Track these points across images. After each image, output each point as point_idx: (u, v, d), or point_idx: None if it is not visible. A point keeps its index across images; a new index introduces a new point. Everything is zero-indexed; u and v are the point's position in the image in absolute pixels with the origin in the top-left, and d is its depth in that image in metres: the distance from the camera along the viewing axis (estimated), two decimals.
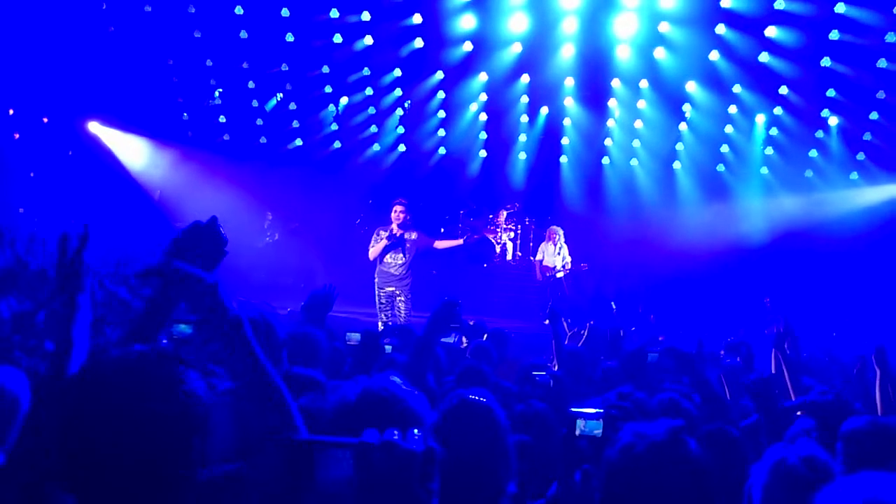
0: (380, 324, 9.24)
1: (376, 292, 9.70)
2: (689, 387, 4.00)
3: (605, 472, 1.93)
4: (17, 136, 13.05)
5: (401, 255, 9.78)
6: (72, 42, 12.10)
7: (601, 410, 2.90)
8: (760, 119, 13.53)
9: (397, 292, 9.68)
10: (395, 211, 9.87)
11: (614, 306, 8.30)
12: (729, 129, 13.83)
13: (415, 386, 3.13)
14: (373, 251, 9.82)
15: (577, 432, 2.69)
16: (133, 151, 14.36)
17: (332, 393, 2.05)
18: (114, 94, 13.24)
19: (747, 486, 2.15)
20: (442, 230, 15.04)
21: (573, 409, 2.85)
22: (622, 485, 1.87)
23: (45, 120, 13.49)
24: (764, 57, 12.34)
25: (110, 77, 12.89)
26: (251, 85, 13.82)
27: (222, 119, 14.44)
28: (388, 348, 4.82)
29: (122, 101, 13.45)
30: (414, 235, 9.84)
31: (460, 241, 10.29)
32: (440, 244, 10.17)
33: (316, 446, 1.23)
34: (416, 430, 1.24)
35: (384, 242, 9.69)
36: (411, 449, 1.19)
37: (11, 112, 13.11)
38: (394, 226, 9.67)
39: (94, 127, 13.97)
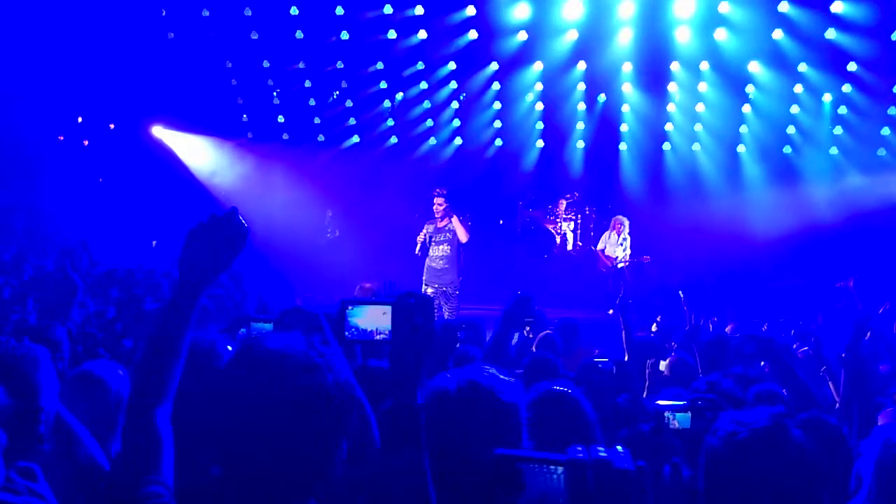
0: None
1: (422, 289, 9.60)
2: (771, 376, 3.88)
3: (707, 461, 1.90)
4: (86, 142, 13.44)
5: (444, 245, 9.72)
6: (134, 48, 12.39)
7: (686, 402, 2.83)
8: (828, 98, 13.11)
9: (443, 288, 9.58)
10: (435, 203, 9.87)
11: (682, 295, 8.11)
12: (795, 109, 13.43)
13: None
14: (418, 247, 9.81)
15: (667, 424, 2.62)
16: (197, 153, 14.66)
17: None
18: (176, 98, 13.53)
19: (856, 466, 2.09)
20: (501, 222, 14.98)
21: (659, 402, 2.78)
22: (726, 473, 1.85)
23: (112, 126, 13.86)
24: (831, 33, 11.93)
25: (171, 81, 13.18)
26: (308, 84, 13.95)
27: (281, 119, 14.63)
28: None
29: (184, 105, 13.73)
30: (455, 222, 9.74)
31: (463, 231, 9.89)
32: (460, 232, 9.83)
33: (524, 462, 1.23)
34: (619, 448, 1.22)
35: (422, 237, 9.66)
36: (627, 468, 1.17)
37: (80, 119, 13.51)
38: (434, 221, 9.63)
39: (158, 131, 14.29)
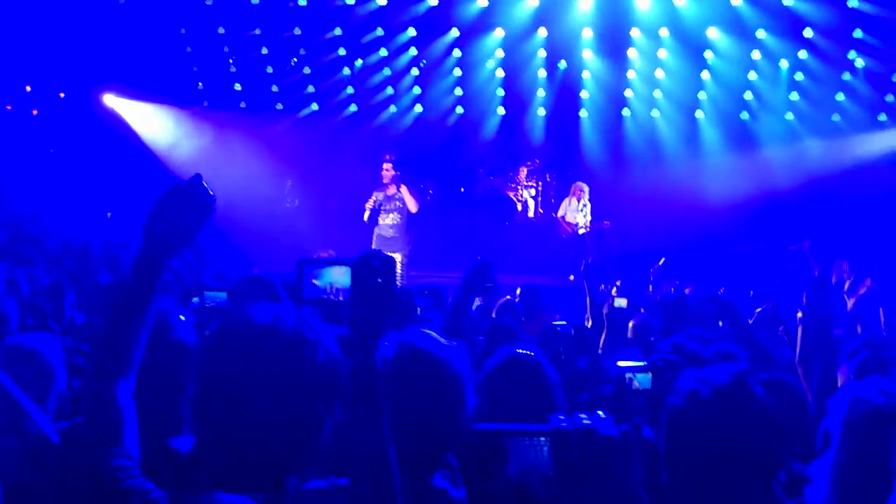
0: None
1: None
2: (729, 336, 3.93)
3: (668, 420, 1.89)
4: (35, 112, 13.05)
5: (393, 214, 9.61)
6: (84, 14, 12.01)
7: (647, 363, 2.85)
8: (784, 64, 13.23)
9: (392, 255, 9.53)
10: (384, 169, 9.73)
11: (661, 262, 8.14)
12: (753, 75, 13.54)
13: None
14: (366, 215, 9.70)
15: (629, 386, 2.64)
16: (150, 122, 14.33)
17: None
18: (128, 65, 13.17)
19: (823, 424, 2.11)
20: (462, 190, 14.95)
21: (619, 364, 2.80)
22: (688, 432, 1.83)
23: (62, 95, 13.47)
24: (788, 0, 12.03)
25: (124, 49, 12.81)
26: (264, 51, 13.68)
27: (238, 87, 14.34)
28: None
29: (137, 73, 13.38)
30: (403, 191, 9.62)
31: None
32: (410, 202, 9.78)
33: (506, 435, 1.21)
34: (601, 413, 1.19)
35: (371, 204, 9.57)
36: (610, 434, 1.15)
37: (28, 89, 13.10)
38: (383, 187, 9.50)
39: (110, 99, 13.93)
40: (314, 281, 1.91)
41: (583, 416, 1.15)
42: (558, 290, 10.28)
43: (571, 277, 11.36)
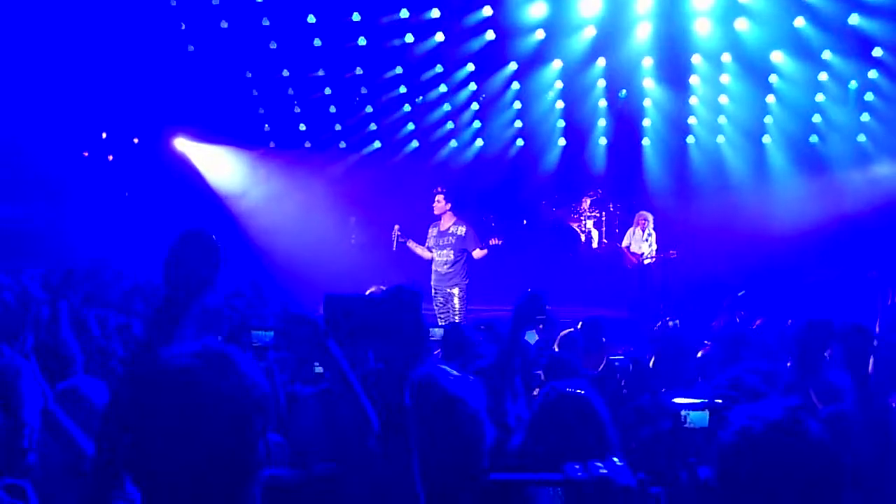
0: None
1: (432, 293, 9.37)
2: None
3: (721, 457, 1.81)
4: (111, 157, 13.61)
5: (447, 250, 9.41)
6: (154, 62, 12.52)
7: (706, 400, 2.76)
8: (853, 84, 12.86)
9: (449, 291, 9.26)
10: (436, 201, 9.57)
11: (742, 294, 7.87)
12: (820, 97, 13.19)
13: (503, 384, 3.07)
14: (420, 250, 9.52)
15: (683, 424, 2.56)
16: (219, 164, 14.77)
17: None
18: (197, 109, 13.65)
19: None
20: (525, 222, 14.91)
21: (676, 401, 2.72)
22: (741, 469, 1.76)
23: (136, 140, 14.02)
24: (854, 19, 11.71)
25: (193, 94, 13.30)
26: (328, 91, 13.99)
27: (302, 127, 14.69)
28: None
29: (206, 116, 13.85)
30: (462, 230, 9.41)
31: (485, 251, 9.56)
32: (477, 254, 9.51)
33: (520, 486, 1.19)
34: (616, 459, 1.18)
35: (428, 241, 9.41)
36: (627, 484, 1.14)
37: (105, 135, 13.69)
38: (437, 223, 9.34)
39: (181, 143, 14.43)
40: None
41: (599, 464, 1.12)
42: (623, 322, 10.09)
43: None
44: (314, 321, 2.56)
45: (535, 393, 4.14)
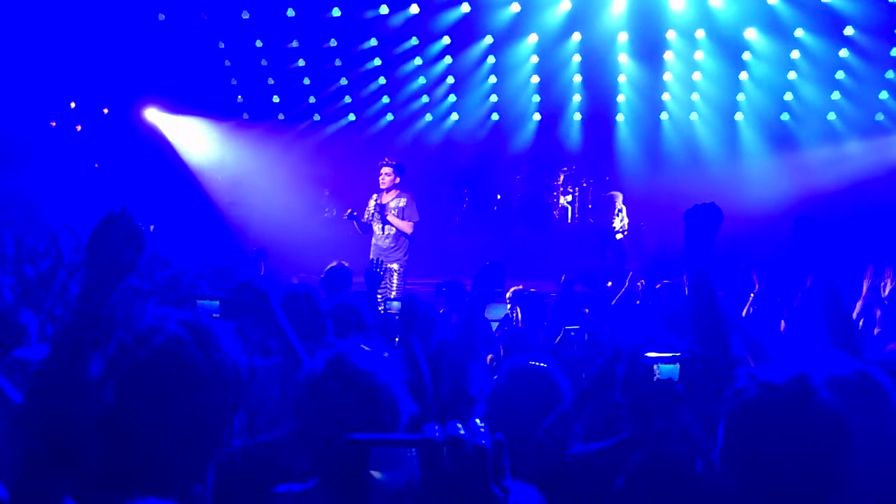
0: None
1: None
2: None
3: (726, 422, 1.80)
4: (79, 128, 13.39)
5: (389, 224, 9.11)
6: (125, 31, 12.30)
7: (677, 354, 2.78)
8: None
9: (389, 266, 8.81)
10: (382, 174, 9.22)
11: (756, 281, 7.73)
12: (792, 75, 13.29)
13: (466, 356, 3.10)
14: (358, 227, 9.17)
15: (654, 378, 2.58)
16: (191, 136, 14.61)
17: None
18: (168, 80, 13.45)
19: None
20: (498, 197, 14.94)
21: (648, 355, 2.74)
22: (746, 434, 1.75)
23: (106, 111, 13.80)
24: None
25: (164, 64, 13.09)
26: (301, 63, 13.85)
27: (276, 99, 14.55)
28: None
29: (177, 87, 13.66)
30: (403, 202, 9.12)
31: (410, 224, 9.27)
32: (401, 224, 9.20)
33: (373, 445, 1.16)
34: (478, 421, 1.16)
35: (367, 214, 9.10)
36: (481, 444, 1.11)
37: (73, 105, 13.45)
38: (377, 196, 9.07)
39: (152, 114, 14.24)
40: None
41: (459, 425, 1.12)
42: (594, 296, 10.17)
43: (609, 284, 11.23)
44: (261, 290, 2.56)
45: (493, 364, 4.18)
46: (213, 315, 2.72)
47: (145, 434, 1.43)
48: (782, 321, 6.17)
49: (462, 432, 1.11)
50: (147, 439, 1.43)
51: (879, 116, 13.32)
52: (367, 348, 1.95)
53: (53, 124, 13.08)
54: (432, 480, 1.09)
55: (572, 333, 4.21)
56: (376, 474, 1.13)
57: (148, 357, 1.46)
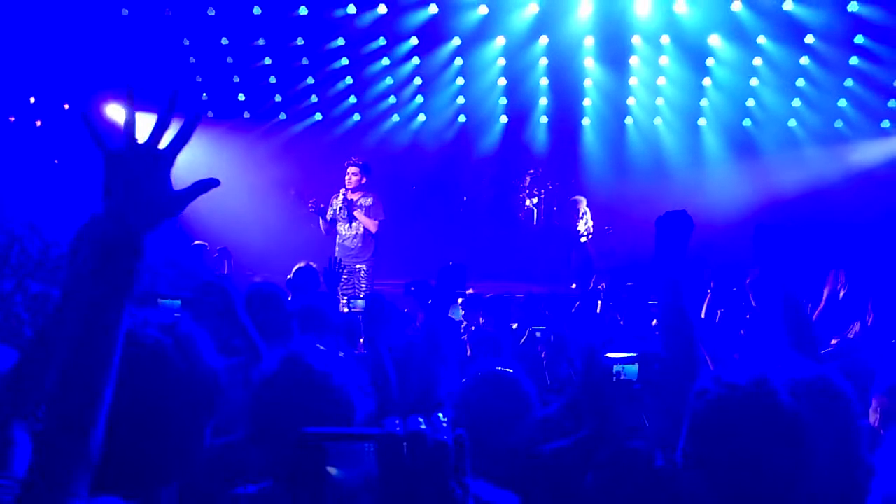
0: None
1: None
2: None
3: (691, 423, 1.84)
4: (39, 123, 13.13)
5: (356, 223, 9.04)
6: (87, 25, 12.09)
7: (635, 354, 2.83)
8: None
9: (358, 266, 8.92)
10: (348, 174, 9.16)
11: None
12: (754, 82, 13.51)
13: (431, 358, 3.10)
14: (323, 225, 9.08)
15: (613, 378, 2.62)
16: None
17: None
18: (131, 76, 13.23)
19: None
20: (465, 198, 14.97)
21: (607, 355, 2.79)
22: (710, 434, 1.79)
23: (67, 106, 13.54)
24: (788, 5, 12.00)
25: (127, 60, 12.89)
26: (268, 61, 13.74)
27: (241, 97, 14.41)
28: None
29: (140, 83, 13.45)
30: (369, 201, 9.10)
31: (375, 223, 9.31)
32: (367, 223, 9.23)
33: (330, 439, 1.13)
34: (441, 415, 1.14)
35: (331, 212, 9.01)
36: (442, 440, 1.09)
37: (33, 100, 13.18)
38: (345, 192, 8.98)
39: (114, 110, 14.00)
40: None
41: (420, 419, 1.11)
42: (561, 298, 10.25)
43: (573, 286, 11.33)
44: (224, 288, 2.54)
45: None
46: (175, 314, 2.69)
47: (120, 436, 1.40)
48: (741, 327, 6.27)
49: (423, 427, 1.09)
50: (122, 441, 1.40)
51: (838, 123, 13.58)
52: (322, 347, 1.94)
53: (12, 119, 12.81)
54: (390, 475, 1.07)
55: (538, 334, 4.24)
56: (333, 470, 1.11)
57: (129, 362, 1.37)
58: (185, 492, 1.61)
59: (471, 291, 6.93)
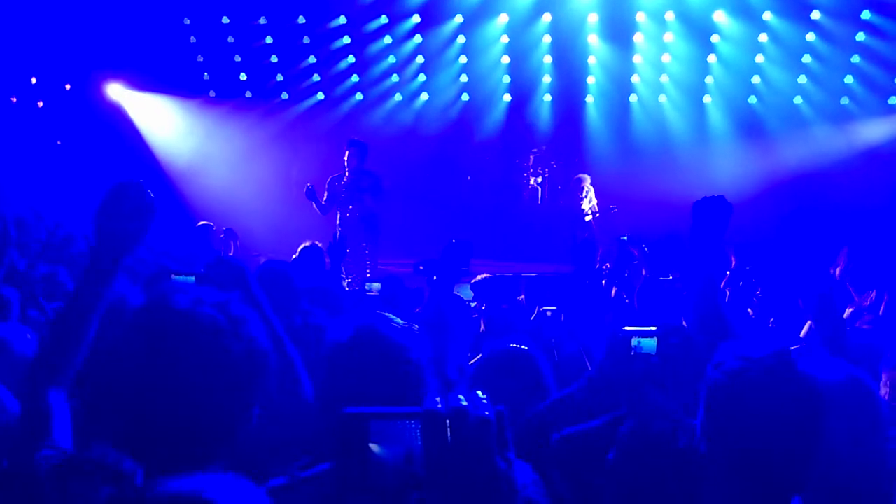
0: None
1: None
2: None
3: (708, 396, 1.84)
4: (41, 104, 13.07)
5: (356, 203, 9.12)
6: (89, 5, 12.01)
7: (655, 328, 2.80)
8: None
9: (358, 244, 8.97)
10: (348, 153, 9.19)
11: (625, 239, 7.90)
12: (760, 58, 13.40)
13: (442, 337, 3.07)
14: (317, 207, 9.13)
15: (632, 352, 2.59)
16: (155, 113, 14.33)
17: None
18: (132, 56, 13.17)
19: None
20: (468, 178, 14.92)
21: (626, 328, 2.75)
22: (729, 408, 1.79)
23: (68, 87, 13.48)
24: None
25: (129, 39, 12.81)
26: (269, 40, 13.65)
27: (243, 77, 14.32)
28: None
29: (141, 63, 13.38)
30: (370, 181, 9.14)
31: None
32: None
33: (373, 418, 1.12)
34: (480, 393, 1.12)
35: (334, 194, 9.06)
36: (484, 415, 1.08)
37: (34, 81, 13.12)
38: (346, 172, 9.03)
39: (115, 90, 13.94)
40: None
41: (461, 396, 1.09)
42: (565, 277, 10.25)
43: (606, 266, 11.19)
44: (238, 265, 2.53)
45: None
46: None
47: (175, 411, 1.43)
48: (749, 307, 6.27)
49: (464, 403, 1.08)
50: (176, 416, 1.43)
51: (845, 100, 13.48)
52: (398, 321, 1.92)
53: (14, 100, 12.75)
54: (435, 453, 1.07)
55: (548, 314, 4.23)
56: (375, 448, 1.10)
57: (187, 339, 1.44)
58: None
59: (484, 276, 6.88)
